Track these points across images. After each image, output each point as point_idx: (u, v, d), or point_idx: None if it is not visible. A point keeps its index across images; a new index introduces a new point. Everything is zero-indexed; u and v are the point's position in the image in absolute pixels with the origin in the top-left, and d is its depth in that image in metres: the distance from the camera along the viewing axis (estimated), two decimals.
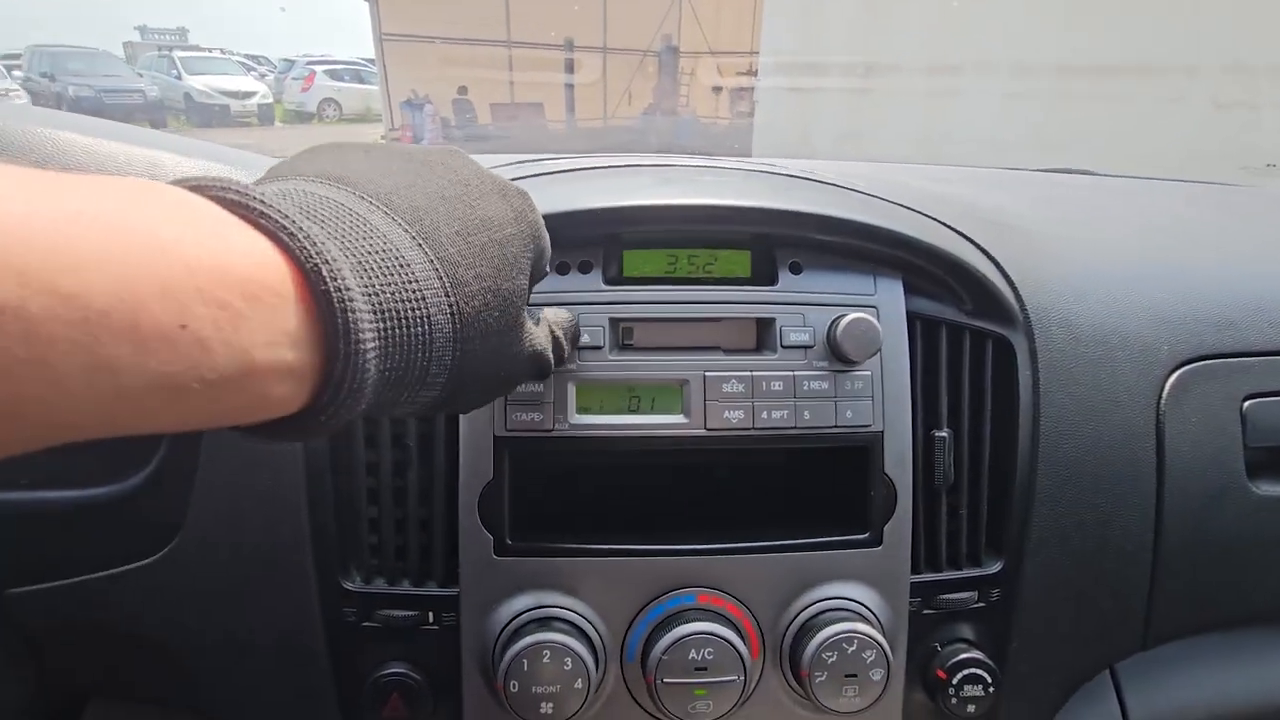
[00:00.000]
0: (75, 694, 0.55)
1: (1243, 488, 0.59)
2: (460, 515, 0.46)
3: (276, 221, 0.23)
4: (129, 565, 0.48)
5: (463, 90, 9.50)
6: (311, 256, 0.23)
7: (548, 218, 0.35)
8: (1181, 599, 0.58)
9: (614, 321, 0.47)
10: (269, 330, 0.22)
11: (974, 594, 0.52)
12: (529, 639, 0.43)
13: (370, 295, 0.25)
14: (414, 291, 0.26)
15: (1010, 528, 0.53)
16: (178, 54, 12.27)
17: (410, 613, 0.48)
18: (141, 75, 11.97)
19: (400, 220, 0.27)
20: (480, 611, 0.46)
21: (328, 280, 0.23)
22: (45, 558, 0.48)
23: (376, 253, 0.26)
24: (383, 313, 0.25)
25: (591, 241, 0.47)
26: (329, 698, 0.49)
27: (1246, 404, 0.60)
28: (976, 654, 0.50)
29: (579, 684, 0.43)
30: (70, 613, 0.48)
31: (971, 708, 0.49)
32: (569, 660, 0.43)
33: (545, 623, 0.44)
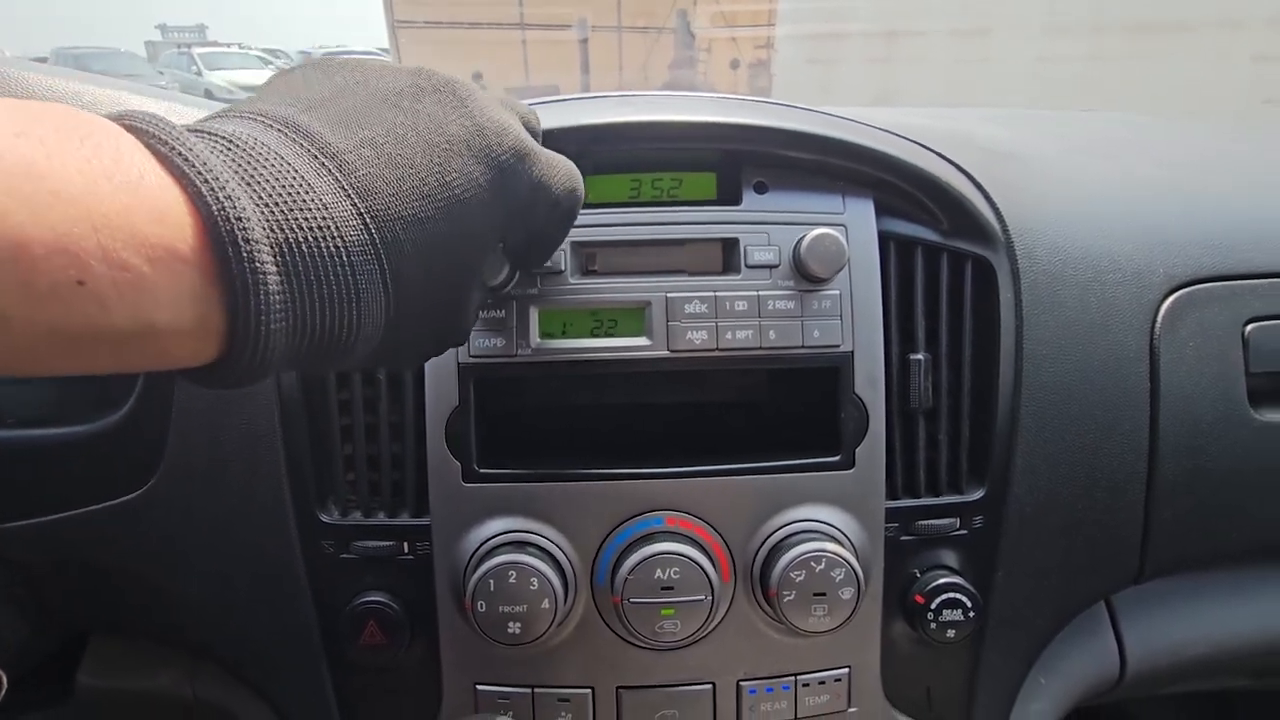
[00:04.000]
0: (76, 632, 0.57)
1: (1244, 415, 0.57)
2: (428, 443, 0.46)
3: (193, 170, 0.23)
4: (113, 500, 0.49)
5: (477, 76, 9.50)
6: (218, 215, 0.22)
7: None
8: (1179, 530, 0.57)
9: (576, 246, 0.46)
10: (171, 293, 0.22)
11: (955, 521, 0.51)
12: (495, 560, 0.43)
13: (283, 259, 0.24)
14: (340, 260, 0.25)
15: (993, 455, 0.51)
16: (197, 50, 12.45)
17: (385, 543, 0.48)
18: (162, 73, 12.15)
19: (345, 184, 0.26)
20: (451, 538, 0.47)
21: (232, 244, 0.22)
22: (32, 493, 0.49)
23: (299, 210, 0.24)
24: (297, 276, 0.24)
25: None
26: (312, 628, 0.50)
27: (1249, 328, 0.58)
28: (957, 579, 0.49)
29: (545, 604, 0.43)
30: (59, 548, 0.50)
31: (951, 633, 0.49)
32: (535, 580, 0.43)
33: (513, 546, 0.45)
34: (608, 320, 0.46)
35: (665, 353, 0.45)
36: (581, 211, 0.47)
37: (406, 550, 0.48)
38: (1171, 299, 0.56)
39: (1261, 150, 0.75)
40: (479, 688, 0.48)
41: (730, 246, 0.46)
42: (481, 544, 0.46)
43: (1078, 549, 0.54)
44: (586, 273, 0.47)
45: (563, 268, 0.45)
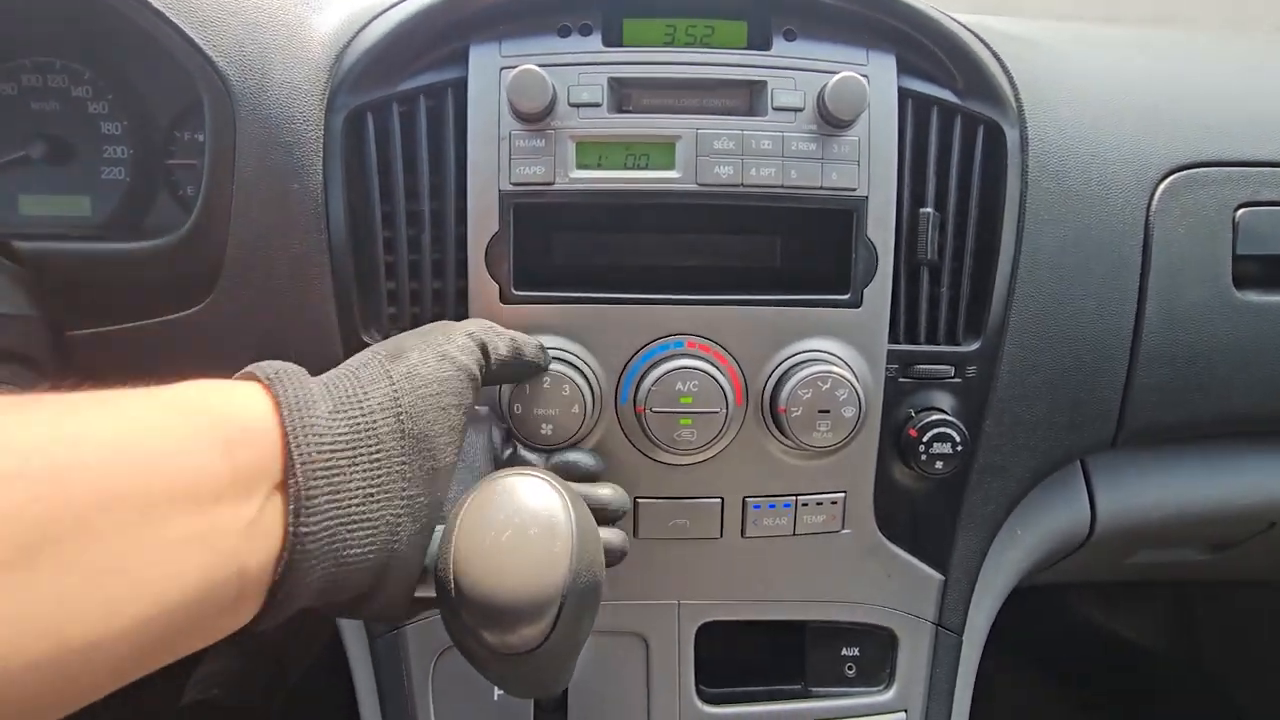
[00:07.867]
0: None
1: (1228, 294, 0.61)
2: (469, 265, 0.50)
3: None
4: (177, 314, 0.53)
5: None
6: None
7: None
8: (1155, 398, 0.61)
9: (613, 82, 0.49)
10: None
11: (950, 369, 0.55)
12: None
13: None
14: None
15: (990, 311, 0.55)
16: None
17: None
18: None
19: None
20: None
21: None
22: (101, 303, 0.53)
23: None
24: None
25: (590, 4, 0.49)
26: None
27: (1240, 212, 0.61)
28: (948, 417, 0.53)
29: (575, 409, 0.47)
30: (124, 357, 0.54)
31: (940, 464, 0.53)
32: (566, 387, 0.47)
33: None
34: (640, 154, 0.49)
35: (694, 185, 0.48)
36: (618, 51, 0.49)
37: None
38: (1169, 180, 0.59)
39: (1265, 53, 0.77)
40: None
41: (758, 89, 0.49)
42: None
43: (1061, 407, 0.59)
44: (621, 110, 0.50)
45: (599, 101, 0.48)
